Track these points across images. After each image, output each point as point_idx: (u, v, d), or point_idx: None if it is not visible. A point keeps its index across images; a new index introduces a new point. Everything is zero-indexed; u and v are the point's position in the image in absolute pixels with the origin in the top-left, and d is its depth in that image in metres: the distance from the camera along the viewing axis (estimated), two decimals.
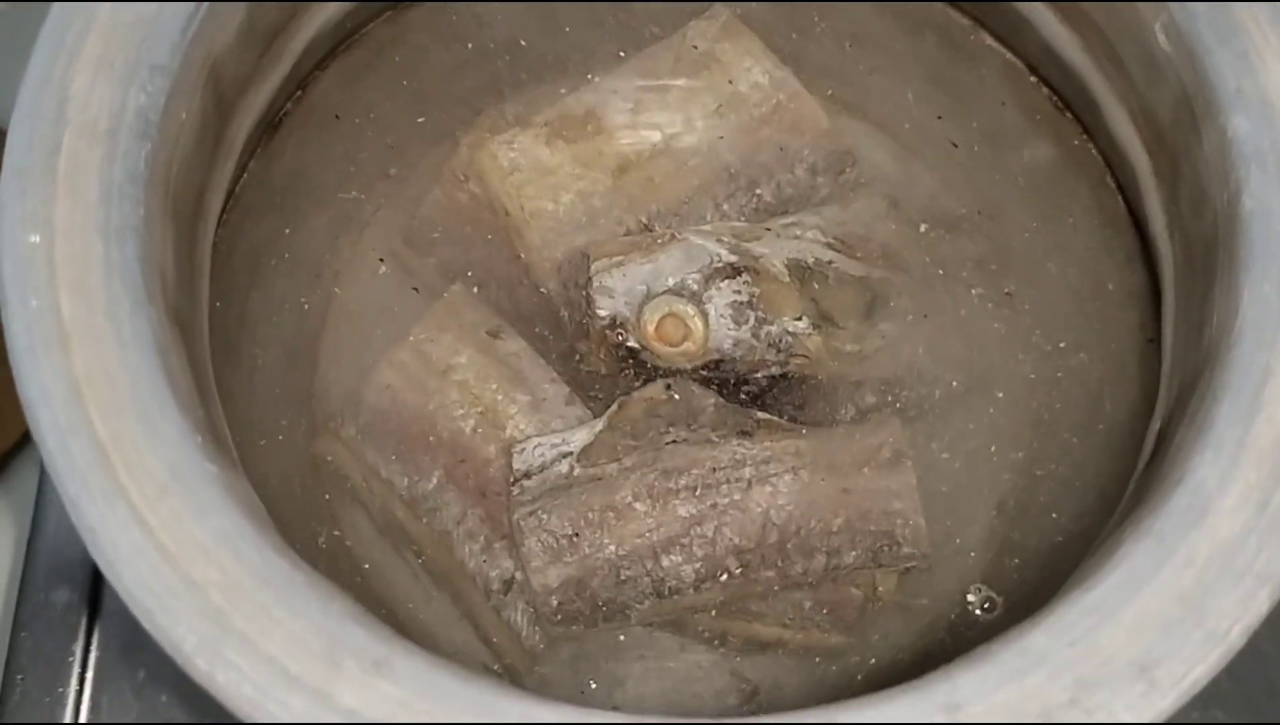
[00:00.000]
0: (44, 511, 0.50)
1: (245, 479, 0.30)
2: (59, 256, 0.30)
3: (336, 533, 0.44)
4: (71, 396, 0.28)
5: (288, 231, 0.45)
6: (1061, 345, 0.46)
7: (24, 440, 0.55)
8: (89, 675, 0.48)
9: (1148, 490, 0.32)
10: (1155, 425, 0.38)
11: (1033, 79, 0.46)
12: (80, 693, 0.47)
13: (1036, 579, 0.42)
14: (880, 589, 0.42)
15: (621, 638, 0.43)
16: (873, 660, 0.42)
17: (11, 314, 0.29)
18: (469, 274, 0.46)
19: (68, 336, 0.29)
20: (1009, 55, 0.47)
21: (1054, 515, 0.43)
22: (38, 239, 0.30)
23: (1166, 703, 0.27)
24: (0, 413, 0.55)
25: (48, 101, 0.31)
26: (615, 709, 0.41)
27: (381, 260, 0.47)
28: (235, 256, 0.43)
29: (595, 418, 0.44)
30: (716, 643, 0.43)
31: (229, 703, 0.26)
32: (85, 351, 0.29)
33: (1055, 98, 0.46)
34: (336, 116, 0.46)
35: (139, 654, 0.48)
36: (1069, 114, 0.46)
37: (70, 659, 0.48)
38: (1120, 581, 0.29)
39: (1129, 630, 0.28)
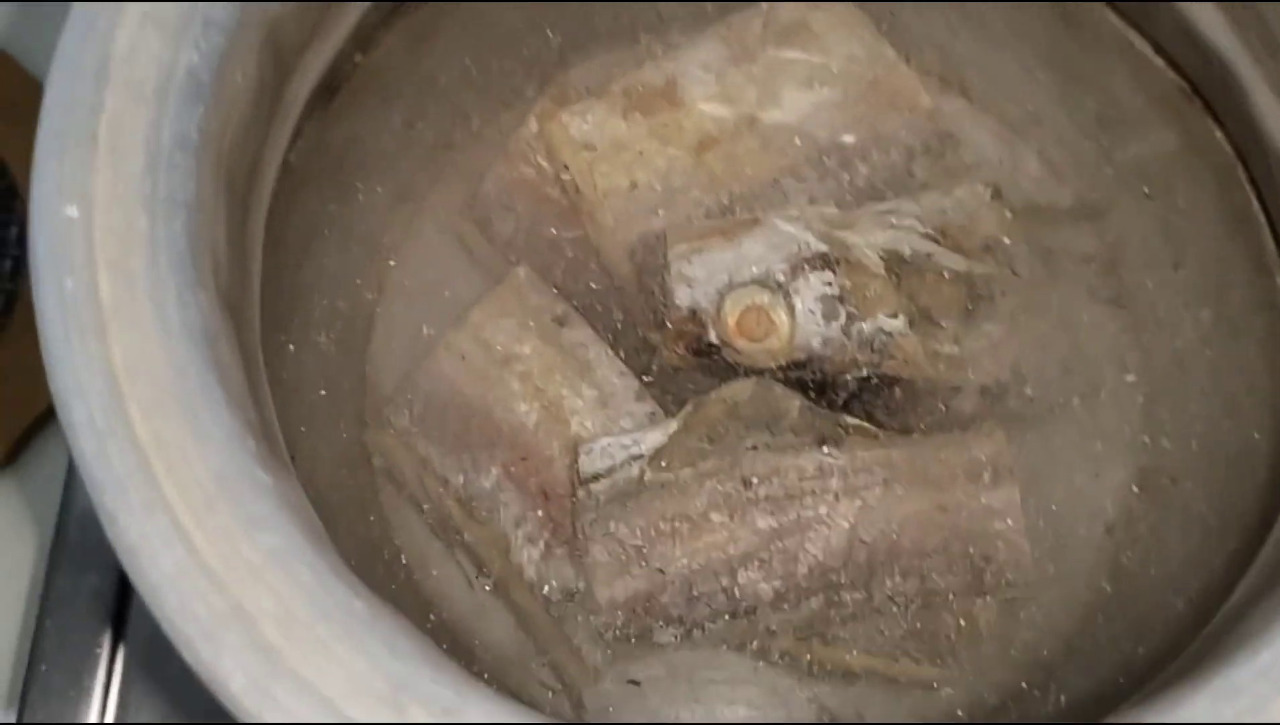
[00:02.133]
0: (74, 490, 0.48)
1: (300, 489, 0.26)
2: (98, 232, 0.26)
3: (386, 531, 0.41)
4: (109, 392, 0.25)
5: (343, 203, 0.42)
6: (1180, 356, 0.42)
7: (50, 413, 0.53)
8: (118, 668, 0.45)
9: None
10: None
11: (1158, 60, 0.42)
12: (108, 687, 0.44)
13: (1148, 612, 0.39)
14: (978, 618, 0.38)
15: (692, 657, 0.40)
16: (967, 694, 0.39)
17: (44, 295, 0.26)
18: (534, 255, 0.43)
19: (106, 323, 0.25)
20: (1132, 33, 0.42)
21: (1171, 542, 0.39)
22: (75, 212, 0.26)
23: None
24: (27, 382, 0.53)
25: (89, 56, 0.27)
26: None
27: (441, 237, 0.43)
28: (287, 230, 0.40)
29: (667, 416, 0.40)
30: (795, 668, 0.39)
31: None
32: (126, 340, 0.25)
33: (1183, 81, 0.42)
34: (397, 82, 0.42)
35: (174, 649, 0.45)
36: (1198, 100, 0.42)
37: (98, 651, 0.45)
38: None
39: None
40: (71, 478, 0.48)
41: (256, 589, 0.24)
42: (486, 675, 0.40)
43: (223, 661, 0.23)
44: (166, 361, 0.26)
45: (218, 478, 0.25)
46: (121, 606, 0.46)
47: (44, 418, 0.53)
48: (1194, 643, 0.33)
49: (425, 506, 0.41)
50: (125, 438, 0.25)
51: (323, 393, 0.41)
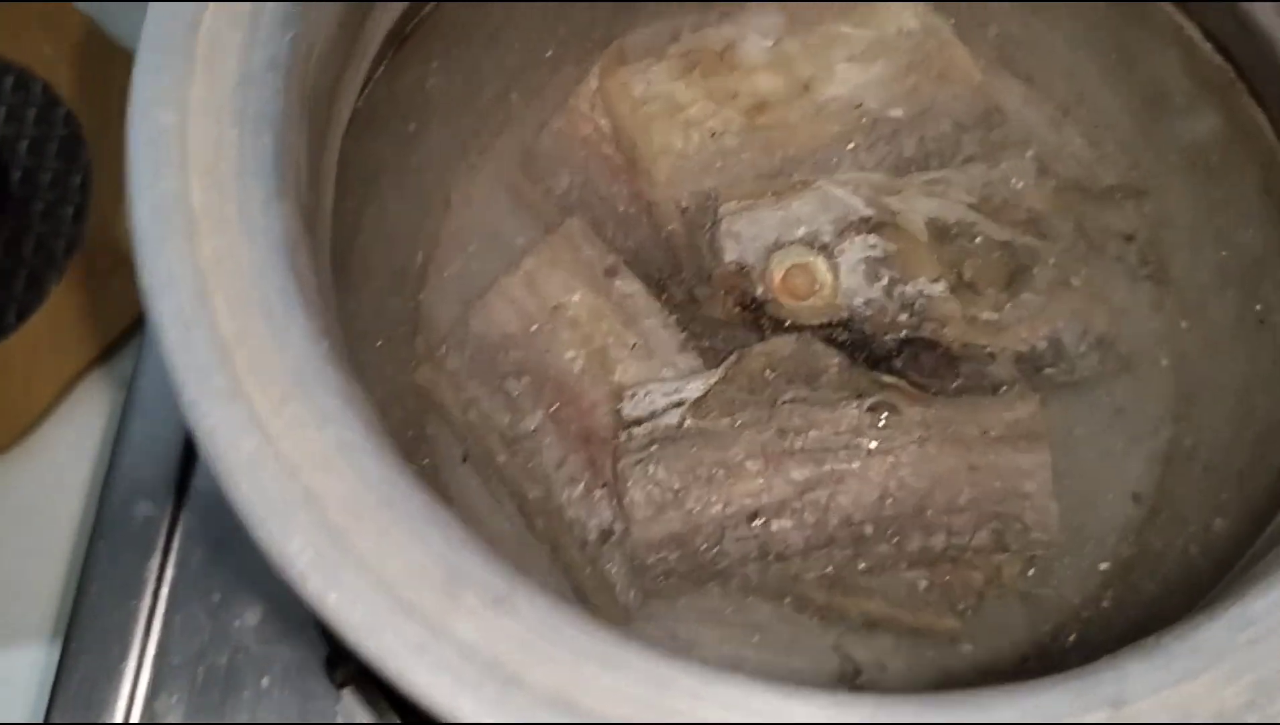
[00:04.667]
0: (130, 421, 0.49)
1: (365, 392, 0.28)
2: (192, 139, 0.28)
3: (432, 467, 0.42)
4: (196, 287, 0.26)
5: (405, 151, 0.43)
6: (1214, 338, 0.42)
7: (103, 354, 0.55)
8: (163, 592, 0.46)
9: None
10: None
11: (1206, 45, 0.43)
12: (153, 609, 0.46)
13: (1171, 580, 0.40)
14: (1003, 575, 0.39)
15: (720, 601, 0.41)
16: (987, 650, 0.40)
17: (139, 195, 0.27)
18: (587, 210, 0.44)
19: (196, 224, 0.27)
20: (1180, 16, 0.43)
21: (1194, 517, 0.40)
22: (171, 119, 0.28)
23: None
24: (84, 322, 0.55)
25: None
26: None
27: (497, 189, 0.45)
28: (351, 170, 0.42)
29: (708, 368, 0.41)
30: (820, 616, 0.40)
31: (339, 626, 0.24)
32: (214, 241, 0.27)
33: (1230, 65, 0.43)
34: (464, 35, 0.44)
35: (216, 576, 0.47)
36: (1243, 83, 0.42)
37: (146, 574, 0.47)
38: None
39: None
40: (129, 407, 0.50)
41: (325, 476, 0.25)
42: None
43: (292, 540, 0.25)
44: (251, 263, 0.27)
45: (293, 374, 0.26)
46: (169, 536, 0.47)
47: (98, 357, 0.55)
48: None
49: (471, 445, 0.42)
50: (209, 330, 0.26)
51: (378, 331, 0.42)
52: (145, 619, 0.46)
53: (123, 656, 0.45)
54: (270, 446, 0.25)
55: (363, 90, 0.40)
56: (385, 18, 0.36)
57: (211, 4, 0.28)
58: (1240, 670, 0.25)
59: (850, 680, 0.40)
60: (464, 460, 0.42)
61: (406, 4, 0.37)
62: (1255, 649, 0.26)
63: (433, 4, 0.41)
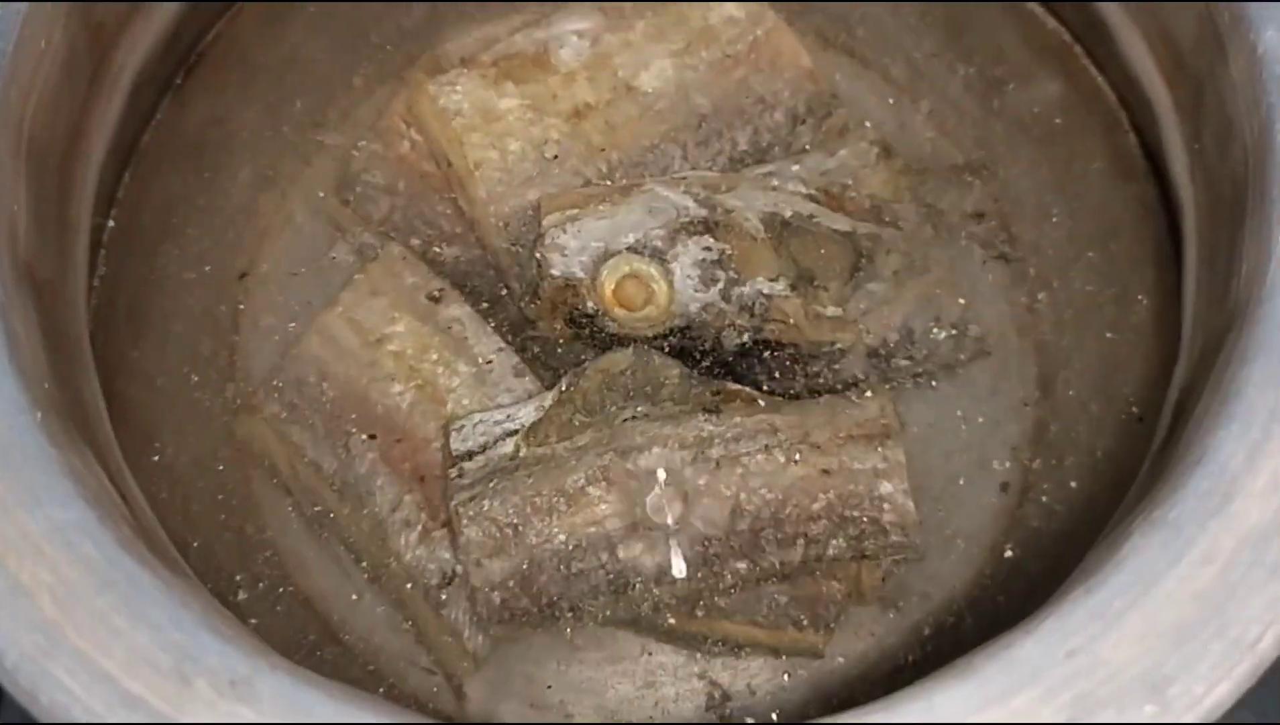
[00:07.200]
0: None
1: (95, 465, 0.25)
2: None
3: (258, 523, 0.39)
4: None
5: (205, 185, 0.41)
6: (1069, 307, 0.41)
7: None
8: None
9: (1163, 472, 0.27)
10: (1173, 396, 0.33)
11: (1038, 8, 0.41)
12: None
13: (1042, 571, 0.38)
14: (865, 583, 0.37)
15: (575, 638, 0.38)
16: (858, 663, 0.38)
17: None
18: (411, 232, 0.42)
19: None
20: None
21: (1061, 500, 0.38)
22: None
23: None
24: None
25: None
26: (568, 717, 0.37)
27: (312, 219, 0.42)
28: (143, 212, 0.39)
29: (549, 391, 0.39)
30: (682, 643, 0.38)
31: None
32: None
33: (1064, 29, 0.41)
34: (261, 58, 0.41)
35: None
36: (1079, 47, 0.41)
37: None
38: (1127, 581, 0.24)
39: (1138, 640, 0.24)
40: None
41: (34, 562, 0.23)
42: (370, 666, 0.39)
43: None
44: None
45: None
46: None
47: None
48: None
49: (298, 495, 0.40)
50: None
51: (189, 381, 0.40)
52: None
53: None
54: None
55: (146, 125, 0.38)
56: (137, 52, 0.34)
57: None
58: (1058, 688, 0.23)
59: (719, 708, 0.38)
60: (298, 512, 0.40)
61: (165, 35, 0.34)
62: (1073, 663, 0.24)
63: (217, 29, 0.38)
